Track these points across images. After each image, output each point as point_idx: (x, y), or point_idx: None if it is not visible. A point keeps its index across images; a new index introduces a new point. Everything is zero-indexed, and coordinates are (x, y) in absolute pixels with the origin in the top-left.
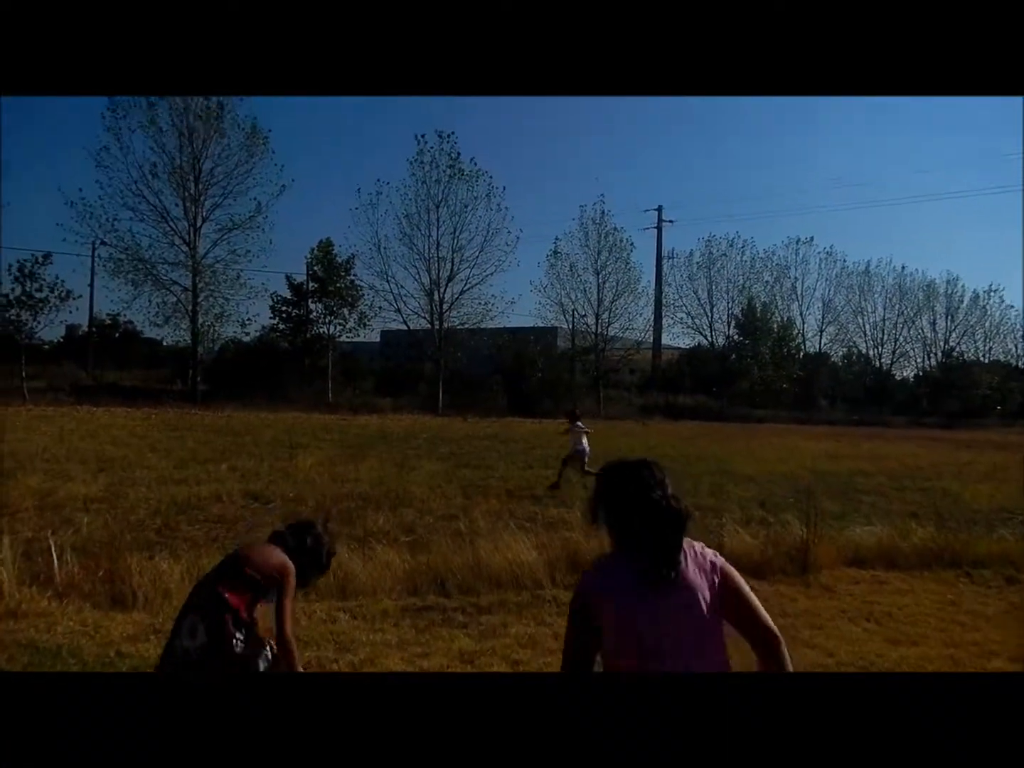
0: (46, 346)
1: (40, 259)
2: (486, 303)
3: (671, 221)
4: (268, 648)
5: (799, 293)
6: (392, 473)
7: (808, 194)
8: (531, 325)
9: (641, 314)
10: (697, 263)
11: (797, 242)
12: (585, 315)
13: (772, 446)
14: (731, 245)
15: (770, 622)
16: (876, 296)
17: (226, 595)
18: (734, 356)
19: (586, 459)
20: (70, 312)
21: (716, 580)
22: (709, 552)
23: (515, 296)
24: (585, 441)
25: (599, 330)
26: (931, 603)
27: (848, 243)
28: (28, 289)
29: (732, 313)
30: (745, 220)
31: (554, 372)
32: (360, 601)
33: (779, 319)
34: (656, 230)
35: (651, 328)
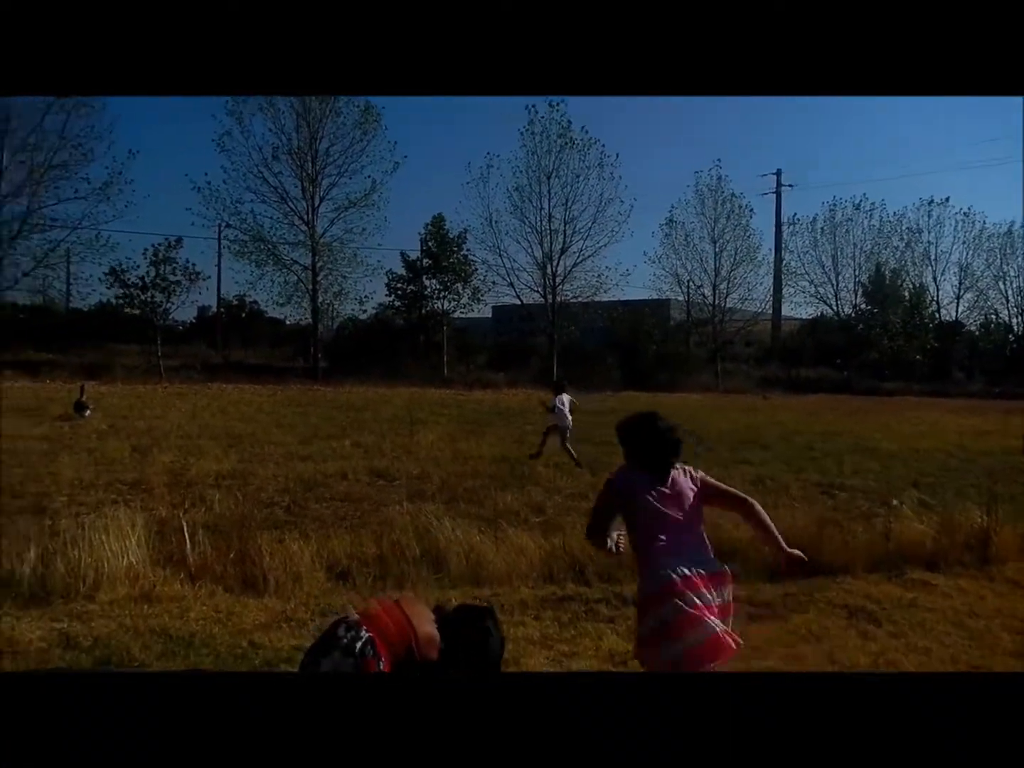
0: (180, 326)
1: (172, 243)
2: (599, 275)
3: (791, 185)
4: None
5: (933, 258)
6: (513, 450)
7: (941, 152)
8: (645, 297)
9: (761, 283)
10: (821, 229)
11: (930, 203)
12: (701, 286)
13: (909, 420)
14: (857, 208)
15: (739, 493)
16: (1020, 259)
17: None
18: (861, 326)
19: (568, 434)
20: (200, 293)
21: (697, 484)
22: (690, 469)
23: (629, 267)
24: (568, 414)
25: (716, 301)
26: None
27: (988, 203)
28: (162, 272)
29: (859, 280)
30: (873, 183)
31: (669, 345)
32: (496, 589)
33: (910, 286)
34: (775, 195)
35: (771, 298)
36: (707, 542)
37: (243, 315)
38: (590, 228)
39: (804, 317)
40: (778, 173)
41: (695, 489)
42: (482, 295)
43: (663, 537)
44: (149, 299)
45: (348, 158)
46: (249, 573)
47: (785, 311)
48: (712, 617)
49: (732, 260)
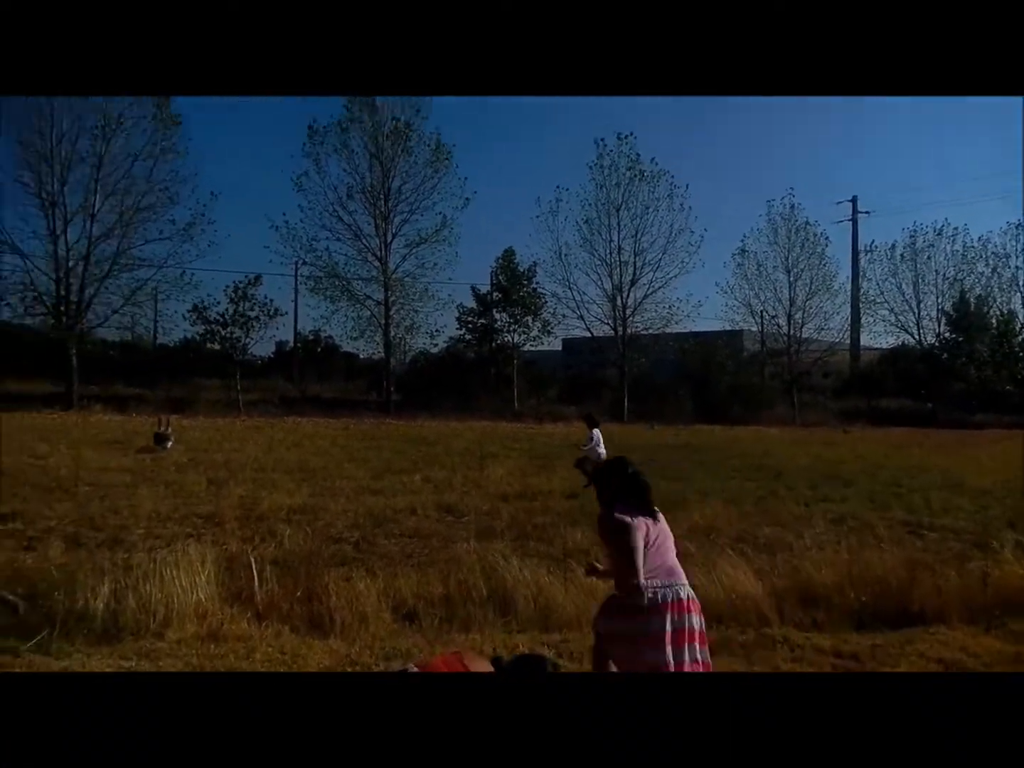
0: (259, 361)
1: (251, 280)
2: (670, 307)
3: (867, 212)
4: None
5: (1022, 284)
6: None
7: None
8: (717, 328)
9: (838, 313)
10: (901, 255)
11: (1018, 226)
12: (776, 316)
13: (1001, 455)
14: (939, 234)
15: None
16: None
17: None
18: (946, 355)
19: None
20: (277, 329)
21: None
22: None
23: (700, 298)
24: (602, 448)
25: (791, 331)
26: None
27: None
28: (241, 309)
29: (942, 308)
30: (954, 206)
31: (743, 377)
32: (566, 634)
33: (998, 313)
34: (851, 222)
35: (848, 327)
36: None
37: (319, 350)
38: (660, 259)
39: (884, 347)
40: (854, 200)
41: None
42: (552, 328)
43: (664, 563)
44: (229, 335)
45: (420, 195)
46: (315, 612)
47: (864, 341)
48: (694, 642)
49: (807, 289)
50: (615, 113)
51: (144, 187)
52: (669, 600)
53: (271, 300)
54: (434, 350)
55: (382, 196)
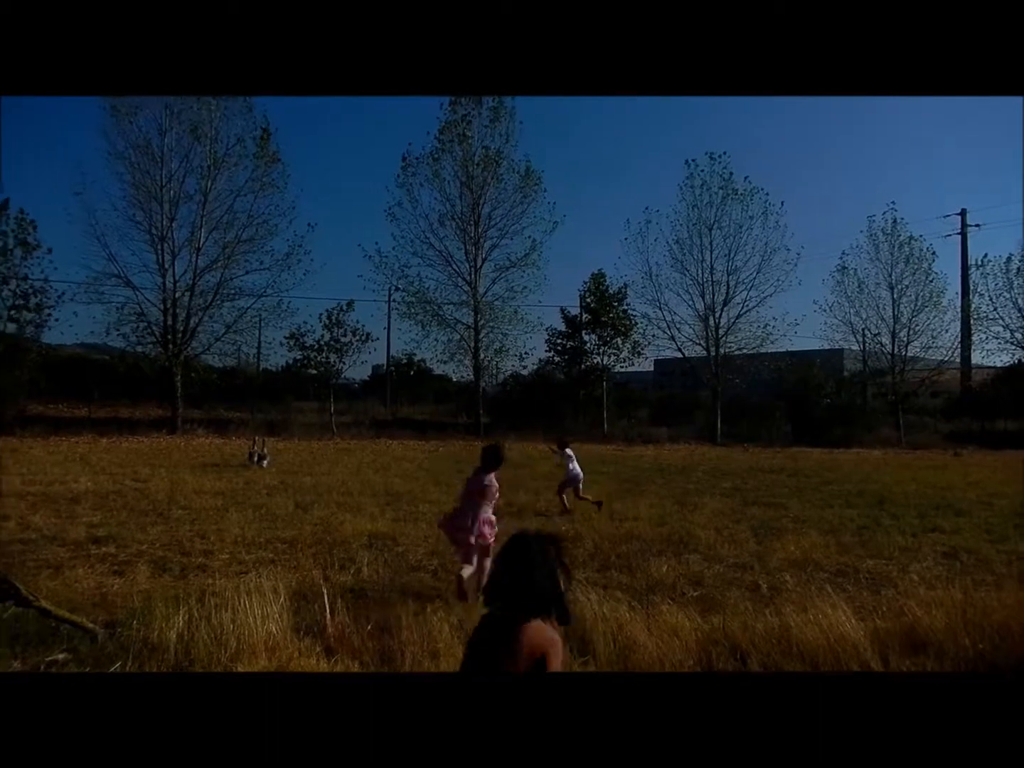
0: (355, 384)
1: (344, 307)
2: (765, 326)
3: (978, 225)
4: None
5: None
6: (673, 511)
7: None
8: (816, 348)
9: (946, 330)
10: (1017, 269)
11: None
12: (879, 334)
13: None
14: None
15: None
16: None
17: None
18: None
19: (580, 485)
20: (370, 353)
21: None
22: None
23: (797, 317)
24: (577, 466)
25: (895, 350)
26: None
27: None
28: (335, 334)
29: None
30: None
31: (844, 397)
32: None
33: None
34: (960, 236)
35: (959, 345)
36: None
37: (411, 373)
38: (755, 278)
39: (999, 365)
40: (963, 213)
41: None
42: (642, 349)
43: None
44: (324, 360)
45: (509, 220)
46: (387, 647)
47: (976, 359)
48: None
49: (913, 306)
50: (709, 132)
51: (245, 221)
52: None
53: (363, 325)
54: (524, 372)
55: (472, 222)
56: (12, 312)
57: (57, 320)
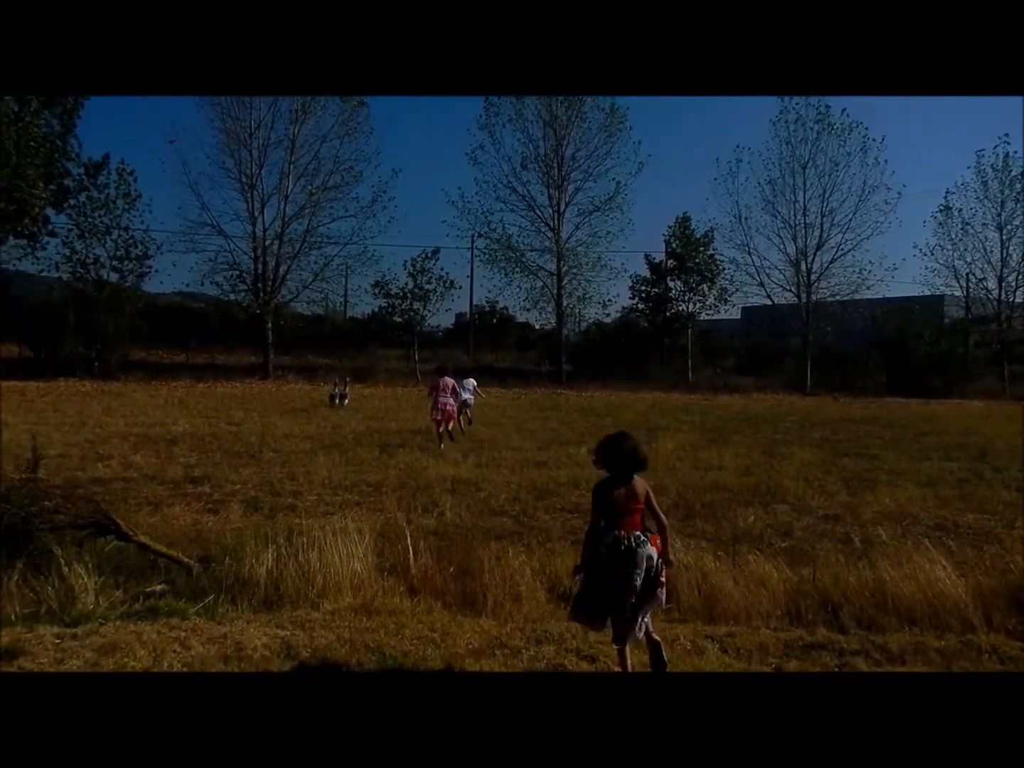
0: (438, 332)
1: (429, 254)
2: (861, 271)
3: None
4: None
5: None
6: (760, 461)
7: None
8: (915, 294)
9: None
10: None
11: None
12: (984, 278)
13: None
14: None
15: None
16: None
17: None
18: None
19: (468, 411)
20: (453, 301)
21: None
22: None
23: (896, 262)
24: (468, 394)
25: (1003, 295)
26: None
27: None
28: (419, 282)
29: None
30: None
31: (943, 346)
32: (731, 628)
33: None
34: None
35: None
36: None
37: (494, 321)
38: (851, 220)
39: None
40: None
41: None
42: (729, 296)
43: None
44: (408, 307)
45: (593, 162)
46: (469, 589)
47: None
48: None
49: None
50: None
51: (331, 167)
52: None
53: (447, 273)
54: (607, 320)
55: (556, 164)
56: (115, 262)
57: (156, 270)
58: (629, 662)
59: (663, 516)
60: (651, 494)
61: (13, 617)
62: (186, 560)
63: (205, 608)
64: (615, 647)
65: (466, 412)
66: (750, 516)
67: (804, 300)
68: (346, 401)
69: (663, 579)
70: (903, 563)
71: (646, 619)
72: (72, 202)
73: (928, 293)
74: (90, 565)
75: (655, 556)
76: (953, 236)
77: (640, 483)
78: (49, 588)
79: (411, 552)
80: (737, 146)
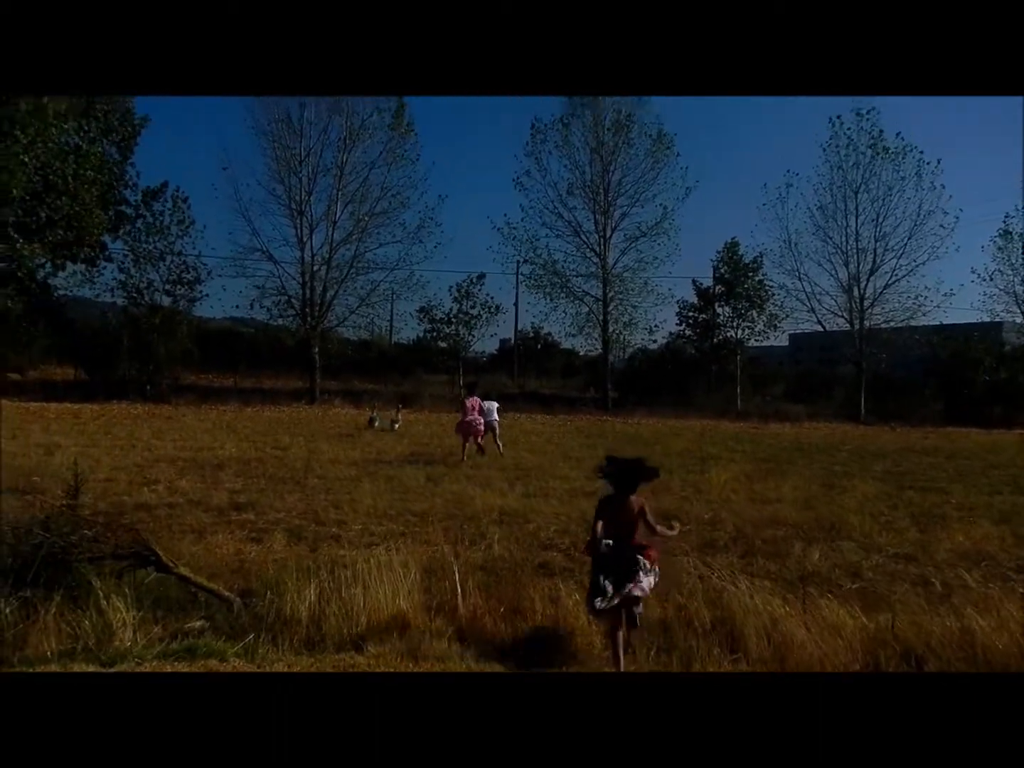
0: (483, 357)
1: (474, 279)
2: (916, 296)
3: None
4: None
5: None
6: (819, 494)
7: None
8: (973, 321)
9: None
10: None
11: None
12: None
13: None
14: None
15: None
16: None
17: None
18: None
19: (496, 436)
20: (498, 326)
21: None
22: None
23: (953, 287)
24: (496, 415)
25: None
26: None
27: None
28: (464, 307)
29: None
30: None
31: (1004, 373)
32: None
33: None
34: None
35: None
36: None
37: (539, 346)
38: (906, 245)
39: None
40: None
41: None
42: (779, 322)
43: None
44: (453, 332)
45: (640, 188)
46: (519, 630)
47: None
48: None
49: None
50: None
51: (379, 193)
52: None
53: (491, 297)
54: (653, 346)
55: (602, 190)
56: (167, 287)
57: (207, 295)
58: (621, 651)
59: (655, 527)
60: (647, 509)
61: (49, 654)
62: (227, 595)
63: (245, 648)
64: (600, 624)
65: (494, 436)
66: (815, 554)
67: (857, 326)
68: (396, 425)
69: (642, 576)
70: (989, 609)
71: (637, 610)
72: (128, 228)
73: (987, 319)
74: (129, 598)
75: (643, 561)
76: (1013, 261)
77: (635, 500)
78: (87, 622)
79: (459, 590)
80: (787, 171)
